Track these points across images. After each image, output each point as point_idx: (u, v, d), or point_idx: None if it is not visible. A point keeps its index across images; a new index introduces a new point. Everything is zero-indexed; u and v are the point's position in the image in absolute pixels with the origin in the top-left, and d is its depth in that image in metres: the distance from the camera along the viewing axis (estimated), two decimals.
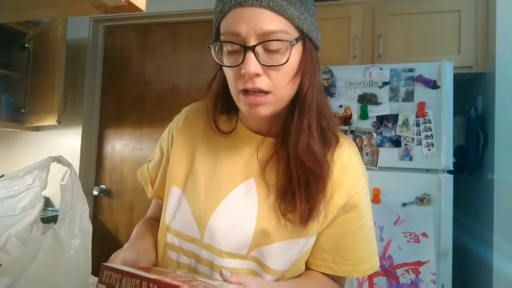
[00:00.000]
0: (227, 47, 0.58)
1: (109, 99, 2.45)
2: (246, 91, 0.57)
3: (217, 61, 0.60)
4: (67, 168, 0.79)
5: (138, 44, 2.41)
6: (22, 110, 2.30)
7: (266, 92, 0.57)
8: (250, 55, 0.54)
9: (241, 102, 0.60)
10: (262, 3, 0.53)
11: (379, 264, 0.69)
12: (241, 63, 0.55)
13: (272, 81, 0.56)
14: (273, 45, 0.55)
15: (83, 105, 2.37)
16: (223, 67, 0.61)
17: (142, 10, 0.45)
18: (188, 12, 2.26)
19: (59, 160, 0.79)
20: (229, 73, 0.59)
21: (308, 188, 0.60)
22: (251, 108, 0.58)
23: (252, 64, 0.54)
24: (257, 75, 0.55)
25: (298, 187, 0.60)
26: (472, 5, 1.77)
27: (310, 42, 0.60)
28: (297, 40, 0.56)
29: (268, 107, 0.58)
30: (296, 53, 0.57)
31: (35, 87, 2.27)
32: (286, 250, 0.63)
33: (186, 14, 2.27)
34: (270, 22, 0.54)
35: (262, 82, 0.56)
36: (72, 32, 2.28)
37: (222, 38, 0.58)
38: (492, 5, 1.71)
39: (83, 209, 0.77)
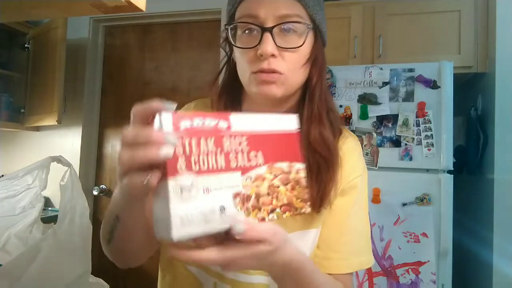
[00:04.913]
0: (242, 30, 0.59)
1: (109, 99, 2.45)
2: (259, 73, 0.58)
3: (233, 43, 0.61)
4: (67, 168, 0.79)
5: (138, 44, 2.41)
6: (22, 110, 2.30)
7: (280, 73, 0.58)
8: (268, 36, 0.56)
9: (253, 83, 0.60)
10: None
11: (369, 265, 0.66)
12: (257, 45, 0.57)
13: (286, 64, 0.58)
14: (290, 28, 0.57)
15: (83, 105, 2.37)
16: (235, 53, 0.62)
17: (142, 10, 0.45)
18: (188, 12, 2.26)
19: (59, 160, 0.79)
20: (243, 56, 0.60)
21: (320, 175, 0.61)
22: (263, 85, 0.59)
23: (269, 44, 0.56)
24: (273, 56, 0.57)
25: (310, 174, 0.60)
26: (472, 5, 1.76)
27: (320, 35, 0.63)
28: (312, 26, 0.59)
29: (280, 87, 0.59)
30: (309, 40, 0.60)
31: (35, 87, 2.27)
32: (297, 241, 0.61)
33: (186, 14, 2.27)
34: (288, 6, 0.57)
35: (277, 63, 0.57)
36: (72, 32, 2.28)
37: (239, 21, 0.60)
38: (492, 5, 1.71)
39: (83, 209, 0.77)
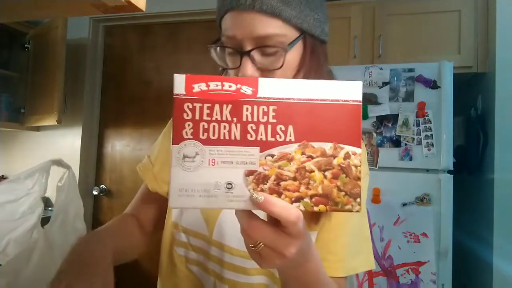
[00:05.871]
0: (224, 50, 0.59)
1: (109, 99, 2.45)
2: None
3: (218, 63, 0.61)
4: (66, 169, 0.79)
5: (138, 44, 2.41)
6: (22, 110, 2.30)
7: None
8: (246, 60, 0.55)
9: None
10: (255, 7, 0.53)
11: (366, 268, 0.64)
12: (239, 67, 0.56)
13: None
14: (268, 50, 0.55)
15: (83, 105, 2.37)
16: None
17: (142, 10, 0.45)
18: (188, 12, 2.26)
19: (59, 163, 0.79)
20: (231, 73, 0.60)
21: None
22: None
23: (248, 69, 0.55)
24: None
25: None
26: (472, 5, 1.76)
27: (312, 39, 0.59)
28: (296, 40, 0.56)
29: None
30: (295, 53, 0.57)
31: (35, 87, 2.26)
32: None
33: (186, 14, 2.27)
34: (265, 26, 0.54)
35: None
36: (72, 32, 2.28)
37: (222, 39, 0.59)
38: (492, 5, 1.71)
39: (77, 210, 0.77)
